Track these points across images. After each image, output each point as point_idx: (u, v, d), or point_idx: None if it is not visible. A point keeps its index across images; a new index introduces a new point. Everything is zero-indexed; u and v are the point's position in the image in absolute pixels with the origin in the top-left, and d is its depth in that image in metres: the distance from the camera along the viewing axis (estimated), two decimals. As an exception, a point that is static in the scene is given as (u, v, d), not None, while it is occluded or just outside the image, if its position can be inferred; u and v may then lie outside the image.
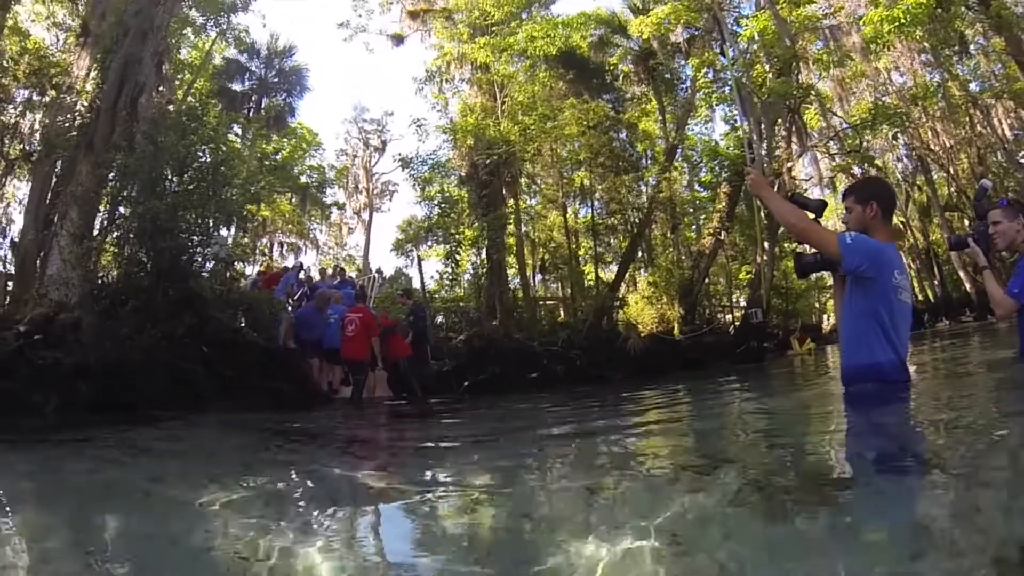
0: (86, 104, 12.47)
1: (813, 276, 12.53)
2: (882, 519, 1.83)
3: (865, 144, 19.41)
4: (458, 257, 17.98)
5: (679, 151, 22.51)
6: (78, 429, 6.27)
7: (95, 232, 10.94)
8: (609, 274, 21.52)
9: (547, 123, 18.42)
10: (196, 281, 9.87)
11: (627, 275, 21.08)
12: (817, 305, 29.95)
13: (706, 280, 19.92)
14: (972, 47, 24.23)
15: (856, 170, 18.73)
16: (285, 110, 31.04)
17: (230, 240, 13.70)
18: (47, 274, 10.56)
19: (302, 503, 3.04)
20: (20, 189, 16.09)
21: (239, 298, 11.30)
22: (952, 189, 28.94)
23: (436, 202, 18.76)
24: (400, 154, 20.55)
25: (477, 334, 15.01)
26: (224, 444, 5.94)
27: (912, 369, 3.41)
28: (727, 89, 18.40)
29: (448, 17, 21.64)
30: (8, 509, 3.18)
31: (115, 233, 10.91)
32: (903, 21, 16.75)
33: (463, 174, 19.29)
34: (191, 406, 8.04)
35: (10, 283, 11.89)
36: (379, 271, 24.95)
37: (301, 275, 16.65)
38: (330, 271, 18.86)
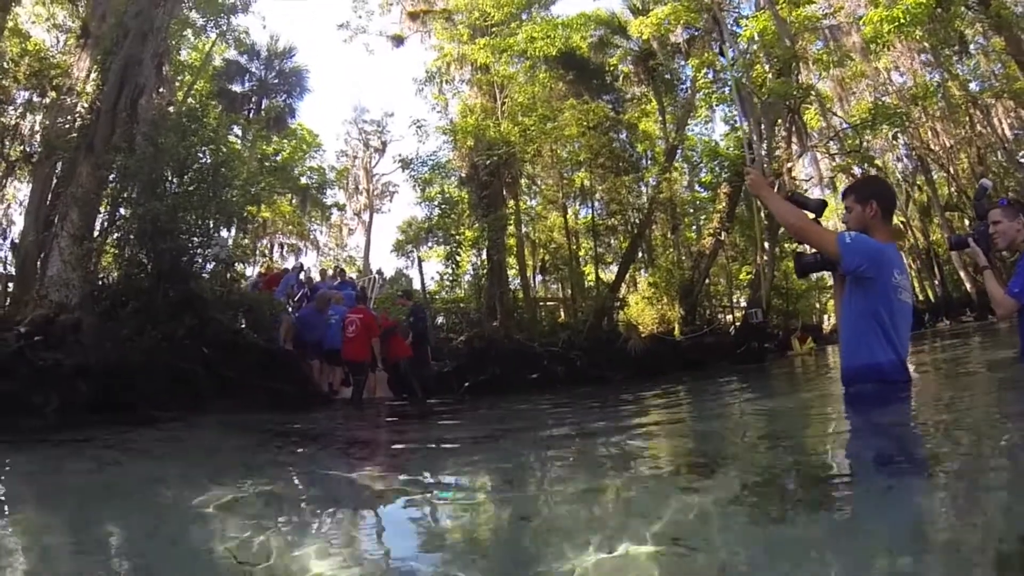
0: (86, 106, 12.47)
1: (813, 276, 12.52)
2: (883, 519, 1.83)
3: (865, 144, 19.40)
4: (458, 258, 17.97)
5: (679, 151, 22.53)
6: (78, 430, 6.27)
7: (95, 233, 10.94)
8: (609, 275, 21.53)
9: (547, 124, 18.42)
10: (196, 282, 9.87)
11: (627, 276, 21.09)
12: (818, 305, 29.94)
13: (706, 280, 19.92)
14: (972, 47, 24.25)
15: (856, 170, 18.74)
16: (285, 111, 31.06)
17: (230, 241, 13.69)
18: (47, 275, 10.56)
19: (302, 504, 3.04)
20: (21, 190, 16.10)
21: (239, 299, 11.29)
22: (952, 189, 28.94)
23: (436, 203, 18.76)
24: (400, 155, 20.62)
25: (477, 335, 15.02)
26: (224, 445, 5.93)
27: (912, 369, 3.40)
28: (727, 89, 18.39)
29: (448, 18, 21.65)
30: (8, 509, 3.18)
31: (115, 234, 10.92)
32: (903, 21, 16.76)
33: (463, 175, 19.29)
34: (191, 407, 8.04)
35: (10, 284, 11.90)
36: (379, 272, 24.95)
37: (301, 276, 16.64)
38: (330, 272, 18.86)
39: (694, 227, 24.90)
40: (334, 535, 2.31)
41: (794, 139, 17.96)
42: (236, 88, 29.85)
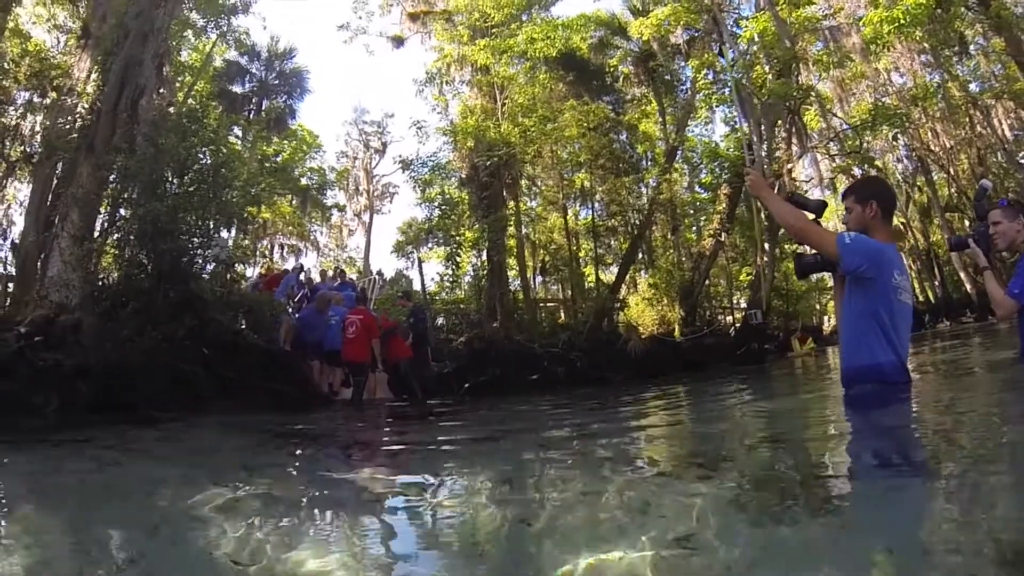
0: (87, 106, 12.49)
1: (814, 277, 12.50)
2: (883, 520, 1.83)
3: (865, 145, 19.43)
4: (458, 259, 17.97)
5: (679, 153, 22.54)
6: (78, 430, 6.27)
7: (96, 234, 10.95)
8: (610, 276, 21.54)
9: (547, 125, 18.43)
10: (197, 283, 9.87)
11: (627, 277, 21.10)
12: (818, 307, 29.96)
13: (706, 282, 19.93)
14: (972, 47, 24.29)
15: (856, 171, 18.73)
16: (285, 112, 31.08)
17: (231, 242, 13.70)
18: (48, 276, 10.57)
19: (302, 505, 3.04)
20: (21, 191, 16.11)
21: (240, 300, 11.29)
22: (952, 190, 28.97)
23: (436, 204, 18.76)
24: (400, 156, 20.63)
25: (478, 336, 15.02)
26: (224, 445, 5.93)
27: (912, 370, 3.39)
28: (727, 90, 18.40)
29: (448, 19, 21.65)
30: (8, 509, 3.18)
31: (116, 235, 10.92)
32: (903, 22, 16.78)
33: (463, 176, 19.30)
34: (191, 407, 8.04)
35: (11, 285, 11.90)
36: (380, 273, 24.96)
37: (301, 277, 16.64)
38: (330, 273, 18.84)
39: (694, 228, 24.92)
40: (333, 536, 2.31)
41: (794, 140, 17.96)
42: (236, 89, 29.88)
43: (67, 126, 12.77)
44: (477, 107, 19.89)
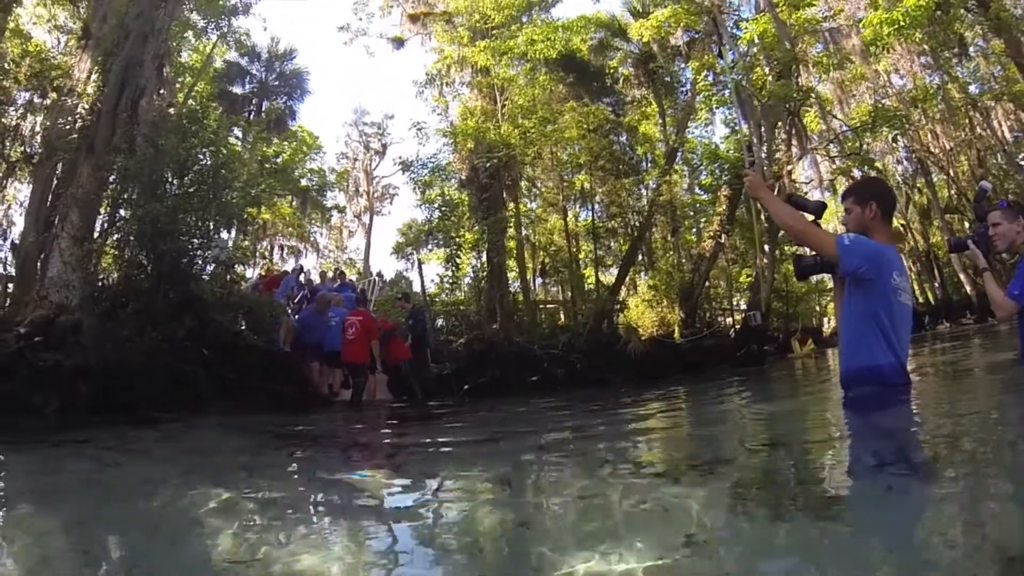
0: (87, 107, 12.49)
1: (814, 279, 12.49)
2: (882, 521, 1.83)
3: (865, 147, 19.42)
4: (458, 260, 17.95)
5: (679, 154, 22.52)
6: (78, 431, 6.27)
7: (96, 234, 10.95)
8: (609, 277, 21.55)
9: (547, 126, 18.41)
10: (196, 284, 9.88)
11: (627, 278, 21.09)
12: (818, 308, 29.97)
13: (706, 283, 19.92)
14: (972, 49, 24.31)
15: (856, 173, 18.74)
16: (286, 113, 31.08)
17: (230, 243, 13.68)
18: (48, 276, 10.57)
19: (301, 506, 3.04)
20: (21, 191, 16.11)
21: (239, 301, 11.30)
22: (952, 191, 28.99)
23: (436, 205, 18.74)
24: (400, 157, 20.59)
25: (477, 337, 15.00)
26: (224, 446, 5.93)
27: (912, 371, 3.39)
28: (727, 92, 18.40)
29: (448, 20, 21.65)
30: (8, 510, 3.18)
31: (115, 235, 10.92)
32: (903, 24, 16.79)
33: (463, 177, 19.29)
34: (191, 408, 8.04)
35: (10, 285, 11.90)
36: (379, 274, 24.98)
37: (301, 278, 16.64)
38: (330, 274, 18.83)
39: (694, 230, 24.90)
40: (333, 537, 2.31)
41: (794, 142, 17.97)
42: (237, 90, 29.89)
43: (67, 127, 12.77)
44: (477, 108, 19.88)
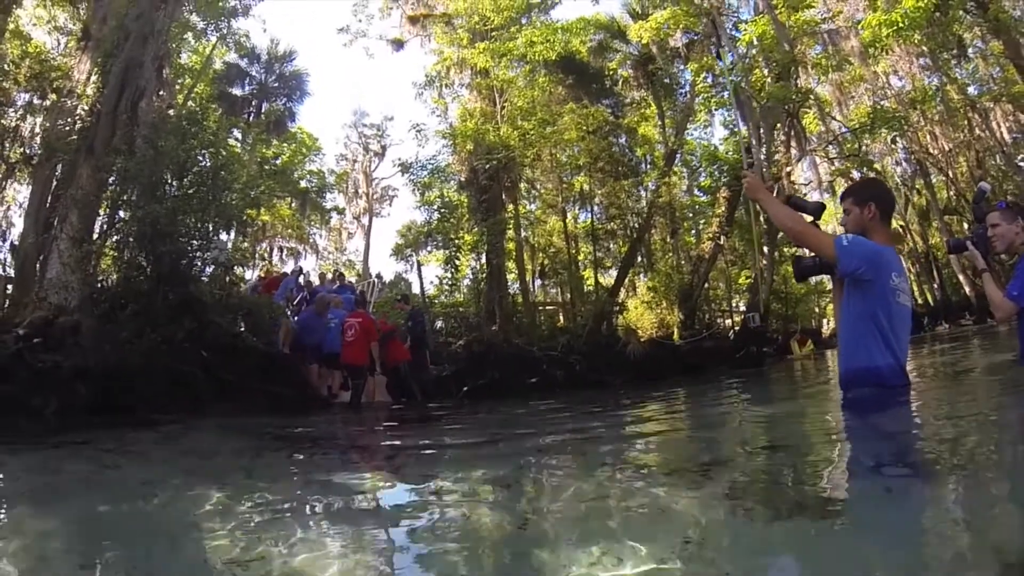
0: (87, 108, 12.49)
1: (813, 280, 12.46)
2: (882, 522, 1.83)
3: (864, 148, 19.44)
4: (457, 262, 17.95)
5: (678, 156, 22.56)
6: (77, 432, 6.27)
7: (95, 236, 10.94)
8: (609, 279, 21.55)
9: (546, 128, 18.43)
10: (196, 285, 9.88)
11: (627, 280, 21.09)
12: (817, 310, 29.98)
13: (705, 285, 19.93)
14: (970, 51, 24.33)
15: (855, 174, 18.77)
16: (285, 115, 31.09)
17: (230, 244, 13.68)
18: (47, 277, 10.56)
19: (300, 508, 3.03)
20: (20, 192, 16.18)
21: (239, 302, 11.29)
22: (951, 192, 29.03)
23: (436, 207, 18.74)
24: (400, 159, 20.58)
25: (476, 339, 15.00)
26: (223, 448, 5.93)
27: (912, 372, 3.39)
28: (726, 94, 18.41)
29: (448, 22, 21.66)
30: (7, 511, 3.18)
31: (115, 237, 10.92)
32: (901, 25, 16.80)
33: (463, 179, 19.30)
34: (190, 410, 8.04)
35: (10, 286, 11.89)
36: (379, 276, 25.01)
37: (300, 280, 16.63)
38: (329, 276, 18.83)
39: (693, 231, 24.94)
40: (331, 539, 2.30)
41: (793, 143, 17.99)
42: (236, 91, 29.90)
43: (67, 128, 12.78)
44: (476, 110, 19.88)
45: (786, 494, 2.38)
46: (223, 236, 12.28)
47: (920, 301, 30.25)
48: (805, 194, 20.42)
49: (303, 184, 34.41)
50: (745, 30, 19.03)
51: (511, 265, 19.88)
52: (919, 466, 2.50)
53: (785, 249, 18.71)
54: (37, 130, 14.64)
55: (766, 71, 18.21)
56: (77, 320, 8.66)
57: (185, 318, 9.02)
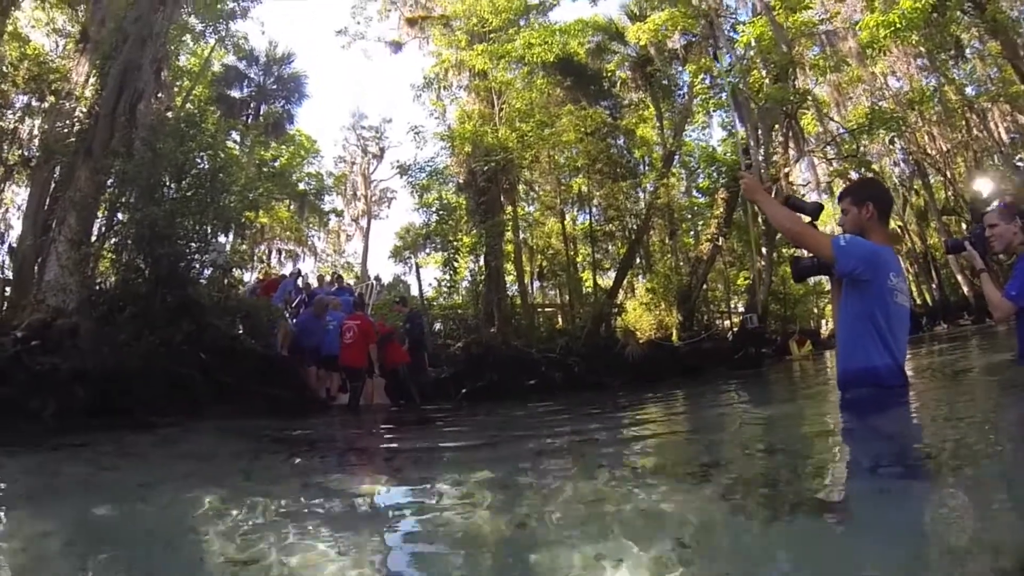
0: (85, 110, 12.49)
1: (812, 280, 12.43)
2: (880, 523, 1.83)
3: (862, 149, 19.47)
4: (456, 264, 17.95)
5: (677, 157, 22.59)
6: (75, 434, 6.25)
7: (93, 238, 10.94)
8: (607, 281, 21.56)
9: (545, 130, 18.45)
10: (194, 288, 9.87)
11: (625, 281, 21.11)
12: (816, 310, 29.99)
13: (704, 286, 19.94)
14: (968, 51, 24.32)
15: (853, 175, 18.77)
16: (283, 117, 31.09)
17: (228, 247, 13.68)
18: (45, 280, 10.55)
19: (298, 510, 3.03)
20: (19, 195, 16.17)
21: (237, 305, 11.29)
22: (949, 193, 29.06)
23: (434, 209, 18.74)
24: (398, 161, 20.60)
25: (475, 341, 15.00)
26: (221, 450, 5.92)
27: (910, 373, 3.38)
28: (724, 95, 18.45)
29: (446, 24, 21.69)
30: (5, 513, 3.17)
31: (113, 239, 10.92)
32: (899, 26, 16.82)
33: (461, 181, 19.32)
34: (189, 412, 8.03)
35: (8, 289, 11.88)
36: (377, 278, 25.00)
37: (299, 282, 16.63)
38: (328, 278, 18.85)
39: (692, 233, 24.94)
40: (329, 542, 2.30)
41: (791, 144, 18.03)
42: (235, 94, 29.87)
43: (65, 130, 12.79)
44: (475, 112, 19.90)
45: (784, 495, 2.37)
46: (221, 238, 12.29)
47: (918, 301, 30.25)
48: (803, 195, 20.41)
49: (301, 186, 34.45)
50: (743, 31, 19.07)
51: (509, 267, 19.89)
52: (917, 467, 2.50)
53: (783, 250, 18.73)
54: (35, 132, 14.65)
55: (764, 72, 18.25)
56: (75, 322, 8.65)
57: (183, 320, 9.01)
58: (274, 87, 31.16)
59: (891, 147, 26.93)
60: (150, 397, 7.99)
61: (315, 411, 9.97)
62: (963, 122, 26.06)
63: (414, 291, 21.40)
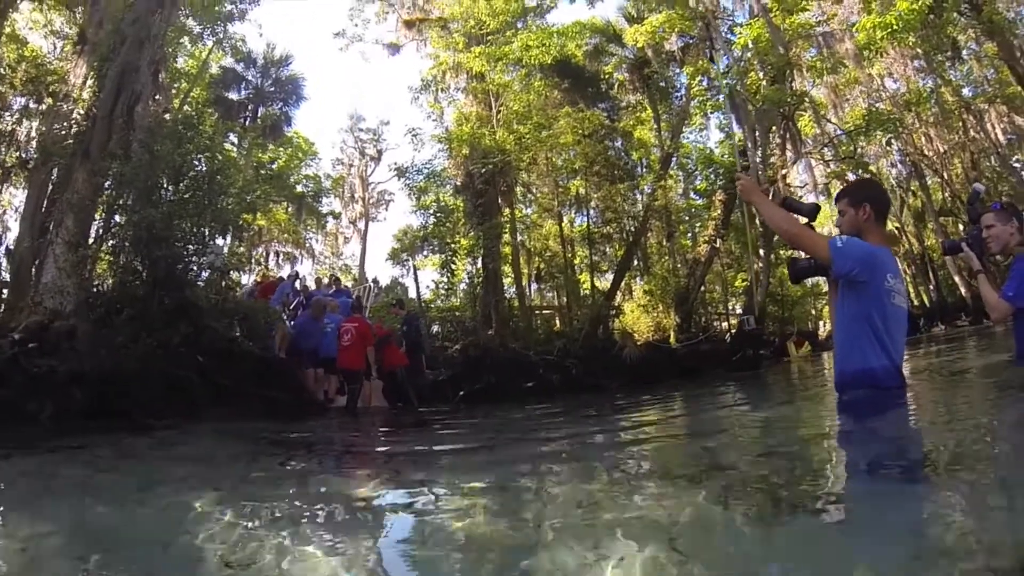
0: (82, 112, 12.47)
1: (809, 282, 12.42)
2: (878, 524, 1.83)
3: (859, 150, 19.50)
4: (454, 266, 17.92)
5: (674, 159, 22.61)
6: (73, 437, 6.25)
7: (91, 240, 10.93)
8: (605, 283, 21.53)
9: (542, 132, 18.45)
10: (192, 290, 9.86)
11: (623, 283, 21.10)
12: (814, 311, 30.00)
13: (702, 288, 19.96)
14: (964, 52, 24.35)
15: (850, 176, 18.78)
16: (281, 119, 31.03)
17: (226, 249, 13.66)
18: (42, 282, 10.52)
19: (295, 512, 3.03)
20: (16, 197, 16.11)
21: (235, 307, 11.27)
22: (946, 194, 29.11)
23: (432, 211, 18.76)
24: (396, 163, 20.62)
25: (473, 343, 15.00)
26: (219, 453, 5.92)
27: (908, 374, 3.38)
28: (721, 97, 18.46)
29: (444, 27, 21.69)
30: (2, 515, 3.16)
31: (111, 241, 10.90)
32: (896, 27, 16.83)
33: (459, 183, 19.29)
34: (186, 415, 8.02)
35: (5, 291, 11.86)
36: (375, 280, 24.93)
37: (297, 284, 16.63)
38: (326, 280, 18.86)
39: (689, 234, 24.93)
40: (327, 544, 2.30)
41: (788, 146, 18.05)
42: (232, 96, 29.81)
43: (63, 132, 12.76)
44: (472, 114, 19.89)
45: (782, 497, 2.37)
46: (219, 241, 12.30)
47: (916, 302, 30.29)
48: (801, 196, 20.44)
49: (299, 189, 34.44)
50: (740, 33, 19.10)
51: (507, 269, 19.89)
52: (915, 468, 2.50)
53: (781, 251, 18.73)
54: (33, 134, 14.62)
55: (761, 74, 18.27)
56: (73, 325, 8.64)
57: (181, 323, 9.01)
58: (272, 89, 31.11)
59: (888, 148, 26.96)
60: (148, 399, 7.98)
61: (313, 413, 9.97)
62: (960, 123, 26.10)
63: (412, 293, 21.44)
